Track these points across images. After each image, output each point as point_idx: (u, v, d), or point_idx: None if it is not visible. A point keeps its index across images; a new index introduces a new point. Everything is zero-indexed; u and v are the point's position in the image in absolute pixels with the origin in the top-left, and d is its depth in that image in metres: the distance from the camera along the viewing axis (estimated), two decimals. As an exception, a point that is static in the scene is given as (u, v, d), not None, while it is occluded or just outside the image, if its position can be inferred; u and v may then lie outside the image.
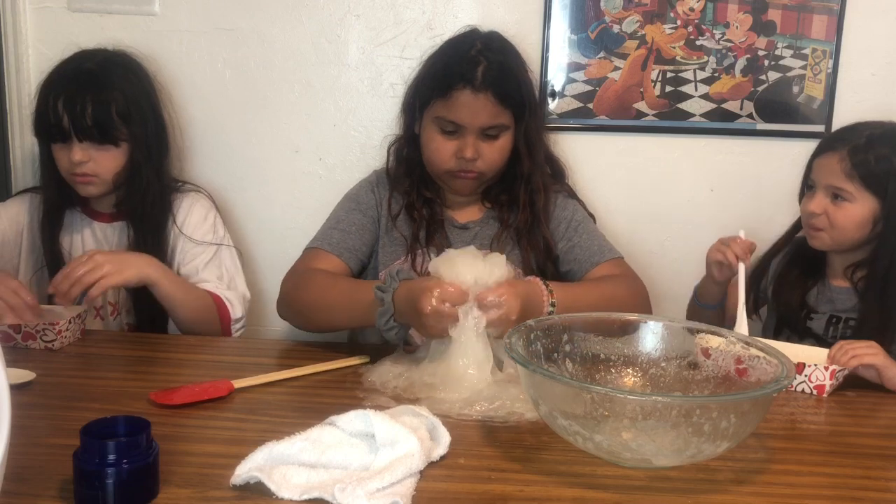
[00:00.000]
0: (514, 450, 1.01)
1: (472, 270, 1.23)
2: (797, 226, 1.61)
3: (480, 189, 1.61)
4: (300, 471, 0.88)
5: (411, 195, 1.60)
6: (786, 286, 1.61)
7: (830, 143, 1.52)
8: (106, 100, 1.57)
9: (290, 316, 1.49)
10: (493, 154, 1.52)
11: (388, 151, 1.68)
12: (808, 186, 1.55)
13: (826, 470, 1.01)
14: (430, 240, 1.57)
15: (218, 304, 1.58)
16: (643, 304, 1.50)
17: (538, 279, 1.36)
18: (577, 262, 1.56)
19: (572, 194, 1.68)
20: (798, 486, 0.95)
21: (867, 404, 1.26)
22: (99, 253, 1.46)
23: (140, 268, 1.47)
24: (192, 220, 1.68)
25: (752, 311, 1.64)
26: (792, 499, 0.92)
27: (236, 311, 1.61)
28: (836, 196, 1.48)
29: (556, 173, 1.70)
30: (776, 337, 1.55)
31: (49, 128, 1.57)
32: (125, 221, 1.67)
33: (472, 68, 1.47)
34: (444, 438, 0.98)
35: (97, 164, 1.59)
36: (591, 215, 1.68)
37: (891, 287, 1.46)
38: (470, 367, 1.20)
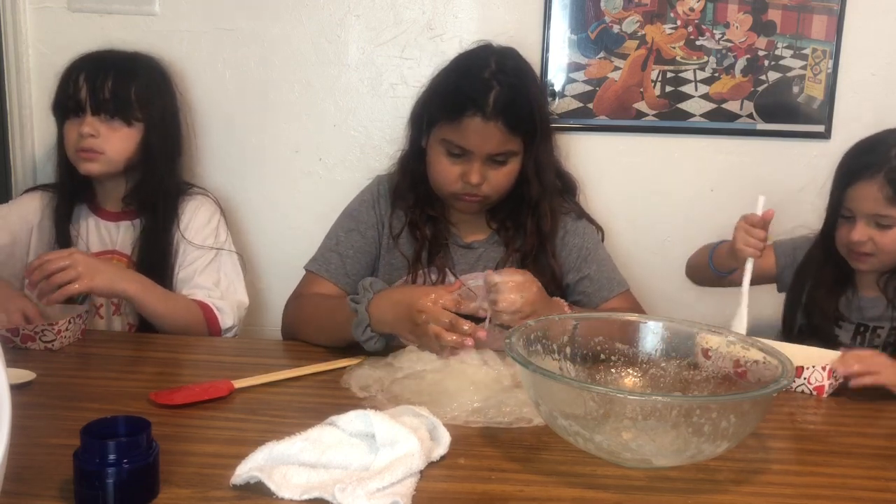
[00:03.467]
0: (514, 450, 1.01)
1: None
2: (823, 245, 1.59)
3: (483, 210, 1.56)
4: (300, 471, 0.88)
5: (415, 212, 1.55)
6: (820, 295, 1.58)
7: (860, 169, 1.47)
8: (128, 79, 1.60)
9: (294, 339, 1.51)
10: (499, 179, 1.47)
11: (398, 164, 1.61)
12: (843, 216, 1.51)
13: (826, 470, 1.01)
14: (432, 260, 1.54)
15: (207, 315, 1.56)
16: None
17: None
18: (586, 294, 1.54)
19: (581, 213, 1.62)
20: (798, 486, 0.95)
21: (867, 405, 1.25)
22: (78, 253, 1.44)
23: (113, 280, 1.45)
24: (195, 223, 1.67)
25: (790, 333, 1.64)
26: (792, 499, 0.92)
27: (226, 320, 1.58)
28: (881, 224, 1.46)
29: (567, 189, 1.64)
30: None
31: (66, 100, 1.59)
32: (130, 221, 1.67)
33: (484, 94, 1.41)
34: (444, 438, 0.98)
35: (105, 140, 1.59)
36: (600, 228, 1.64)
37: None
38: (468, 387, 1.18)
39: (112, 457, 0.81)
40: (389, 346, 1.36)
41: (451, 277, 1.54)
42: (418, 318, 1.25)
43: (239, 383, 1.19)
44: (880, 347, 1.52)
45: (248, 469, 0.88)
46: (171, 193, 1.67)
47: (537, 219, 1.53)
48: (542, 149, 1.51)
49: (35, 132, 1.91)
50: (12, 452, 0.69)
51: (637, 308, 1.58)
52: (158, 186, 1.65)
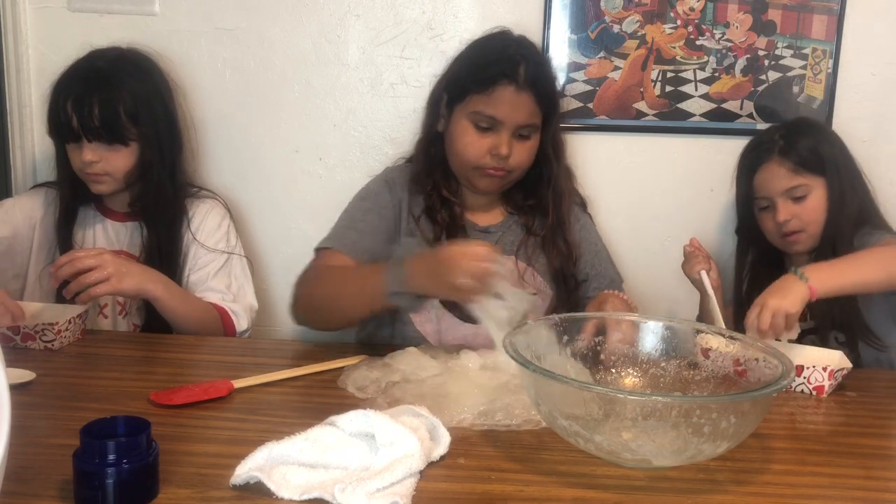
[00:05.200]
0: (514, 450, 1.01)
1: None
2: (745, 247, 1.74)
3: (503, 189, 1.59)
4: (300, 471, 0.88)
5: (432, 197, 1.57)
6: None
7: (756, 158, 1.65)
8: (114, 100, 1.57)
9: (307, 316, 1.46)
10: (522, 153, 1.52)
11: (415, 149, 1.64)
12: (760, 208, 1.66)
13: (826, 470, 1.01)
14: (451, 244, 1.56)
15: (223, 318, 1.58)
16: None
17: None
18: (598, 290, 1.55)
19: (584, 208, 1.70)
20: (798, 486, 0.95)
21: (867, 404, 1.26)
22: (107, 253, 1.45)
23: (140, 281, 1.46)
24: (206, 226, 1.68)
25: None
26: (792, 499, 0.92)
27: (241, 323, 1.60)
28: (795, 196, 1.60)
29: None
30: None
31: (60, 128, 1.58)
32: (138, 221, 1.67)
33: (514, 66, 1.47)
34: (444, 438, 0.98)
35: (108, 163, 1.59)
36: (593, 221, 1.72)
37: (839, 240, 1.57)
38: (472, 390, 1.17)
39: (112, 457, 0.81)
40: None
41: None
42: (450, 260, 1.22)
43: (239, 383, 1.19)
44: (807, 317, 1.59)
45: (247, 469, 0.88)
46: (175, 196, 1.67)
47: (555, 197, 1.59)
48: (557, 128, 1.58)
49: (35, 132, 1.91)
50: (12, 452, 0.69)
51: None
52: (161, 192, 1.64)
